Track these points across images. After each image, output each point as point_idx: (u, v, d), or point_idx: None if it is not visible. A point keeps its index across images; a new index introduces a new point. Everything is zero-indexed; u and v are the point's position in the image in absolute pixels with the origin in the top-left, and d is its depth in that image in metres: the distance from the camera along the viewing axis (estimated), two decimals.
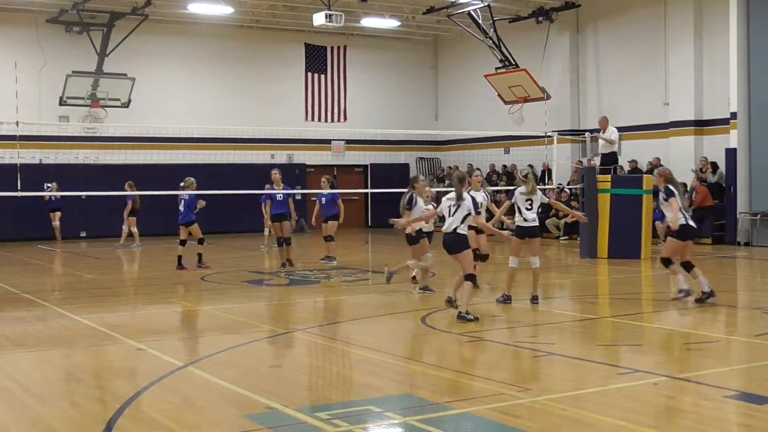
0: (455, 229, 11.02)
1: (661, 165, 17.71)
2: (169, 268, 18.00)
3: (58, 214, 26.56)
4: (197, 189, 18.00)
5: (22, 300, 13.95)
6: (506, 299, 12.42)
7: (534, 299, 12.42)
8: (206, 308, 13.21)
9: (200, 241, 18.06)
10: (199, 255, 18.08)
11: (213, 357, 9.37)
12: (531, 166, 28.64)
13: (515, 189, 12.58)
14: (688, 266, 12.30)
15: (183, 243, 17.97)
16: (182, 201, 17.92)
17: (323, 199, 18.82)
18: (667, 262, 12.68)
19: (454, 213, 11.06)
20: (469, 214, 11.07)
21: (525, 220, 12.30)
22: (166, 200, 21.83)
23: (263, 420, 6.62)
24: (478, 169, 14.66)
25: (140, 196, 23.22)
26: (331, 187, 19.17)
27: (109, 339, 10.34)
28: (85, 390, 7.92)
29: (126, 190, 23.11)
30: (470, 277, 11.06)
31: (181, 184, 18.18)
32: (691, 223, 12.42)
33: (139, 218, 24.03)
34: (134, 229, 23.91)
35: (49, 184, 25.95)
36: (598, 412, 6.74)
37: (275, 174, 18.17)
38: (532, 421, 6.53)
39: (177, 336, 11.12)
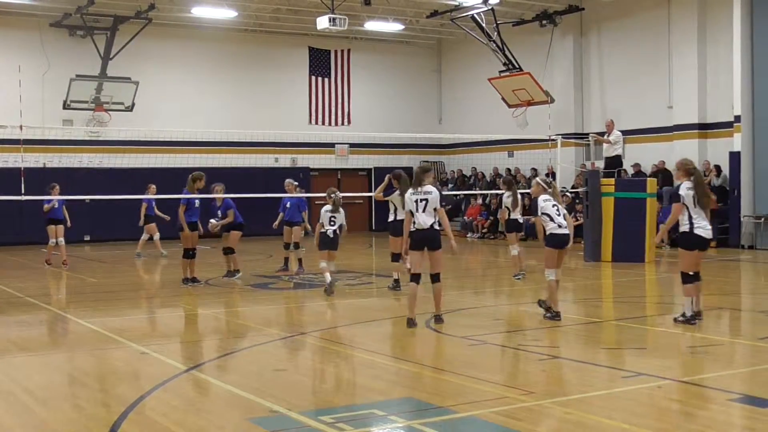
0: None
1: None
2: (170, 272, 17.98)
3: (61, 228, 19.99)
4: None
5: (26, 304, 13.96)
6: (555, 315, 11.36)
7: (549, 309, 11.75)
8: (210, 312, 13.21)
9: (296, 245, 17.85)
10: (300, 260, 17.87)
11: (217, 360, 9.38)
12: (535, 169, 28.80)
13: (539, 197, 11.64)
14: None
15: (287, 246, 18.03)
16: (288, 202, 17.71)
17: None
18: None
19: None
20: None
21: (559, 226, 11.35)
22: (163, 204, 21.74)
23: (267, 423, 6.61)
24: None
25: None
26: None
27: (112, 343, 10.35)
28: (89, 394, 7.92)
29: (148, 193, 21.20)
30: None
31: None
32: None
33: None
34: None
35: (50, 192, 19.77)
36: (602, 415, 6.73)
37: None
38: (536, 424, 6.52)
39: (181, 340, 11.12)
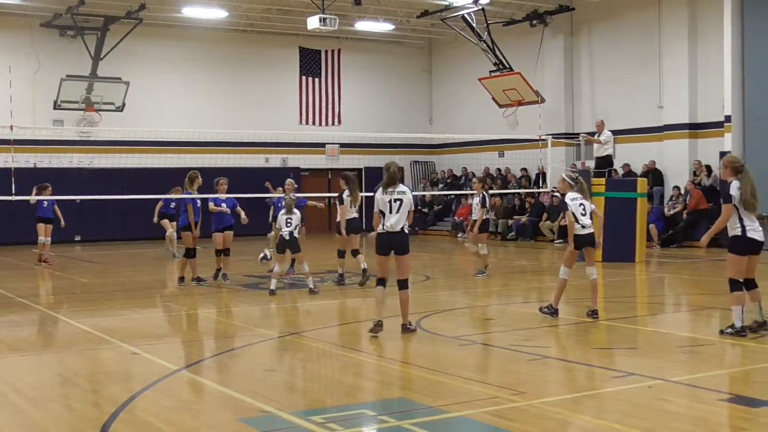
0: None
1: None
2: (162, 272, 17.97)
3: (50, 227, 20.53)
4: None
5: (16, 304, 13.92)
6: (552, 312, 11.43)
7: (594, 313, 11.46)
8: (201, 312, 13.20)
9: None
10: (292, 260, 17.29)
11: (208, 361, 9.37)
12: (525, 169, 28.87)
13: (566, 196, 11.46)
14: None
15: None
16: (280, 202, 17.33)
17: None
18: None
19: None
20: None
21: (583, 227, 11.23)
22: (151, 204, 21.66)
23: (257, 423, 6.61)
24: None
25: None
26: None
27: (103, 343, 10.33)
28: (80, 394, 7.91)
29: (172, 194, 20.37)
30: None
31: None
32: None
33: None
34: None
35: (41, 193, 20.18)
36: (593, 415, 6.75)
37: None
38: (528, 424, 6.53)
39: (172, 340, 11.11)
